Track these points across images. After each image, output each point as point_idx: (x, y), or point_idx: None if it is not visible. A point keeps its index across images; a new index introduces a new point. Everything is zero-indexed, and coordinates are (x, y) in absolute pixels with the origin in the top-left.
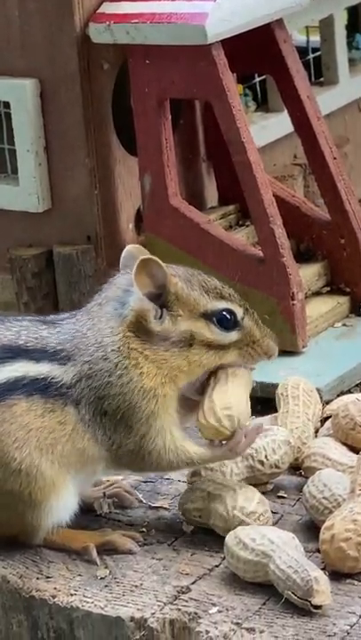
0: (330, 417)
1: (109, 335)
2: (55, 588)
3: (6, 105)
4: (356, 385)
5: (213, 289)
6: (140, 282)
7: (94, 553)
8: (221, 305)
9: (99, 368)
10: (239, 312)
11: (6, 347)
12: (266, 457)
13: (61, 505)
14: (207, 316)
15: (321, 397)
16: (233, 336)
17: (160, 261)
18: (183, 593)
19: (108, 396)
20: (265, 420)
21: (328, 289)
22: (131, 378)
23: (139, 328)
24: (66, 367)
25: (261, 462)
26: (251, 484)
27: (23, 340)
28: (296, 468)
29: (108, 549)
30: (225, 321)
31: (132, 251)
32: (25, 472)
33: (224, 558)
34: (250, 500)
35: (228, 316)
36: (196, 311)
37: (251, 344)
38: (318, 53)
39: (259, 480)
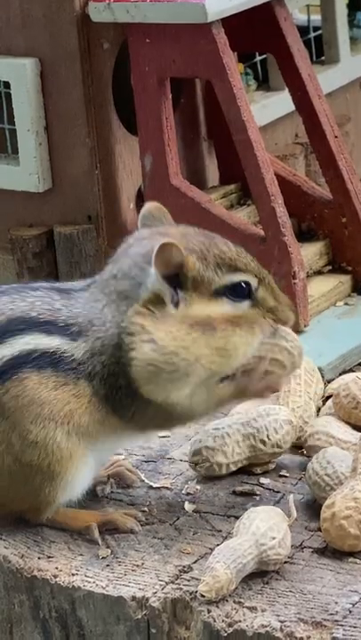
0: (331, 396)
1: (124, 313)
2: (57, 568)
3: (6, 85)
4: (358, 364)
5: (228, 260)
6: (159, 264)
7: (96, 532)
8: (235, 277)
9: (112, 345)
10: (253, 282)
11: (20, 319)
12: (268, 436)
13: (78, 478)
14: (220, 293)
15: (323, 376)
16: (245, 306)
17: (179, 244)
18: (185, 572)
19: (124, 373)
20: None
21: (330, 268)
22: (143, 353)
23: (156, 305)
24: (77, 343)
25: (263, 442)
26: (252, 464)
27: (36, 312)
28: (298, 447)
29: (109, 529)
30: (237, 292)
31: (152, 210)
32: (42, 444)
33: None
34: None
35: (240, 287)
36: (209, 290)
37: (267, 313)
38: (319, 32)
39: (260, 460)
